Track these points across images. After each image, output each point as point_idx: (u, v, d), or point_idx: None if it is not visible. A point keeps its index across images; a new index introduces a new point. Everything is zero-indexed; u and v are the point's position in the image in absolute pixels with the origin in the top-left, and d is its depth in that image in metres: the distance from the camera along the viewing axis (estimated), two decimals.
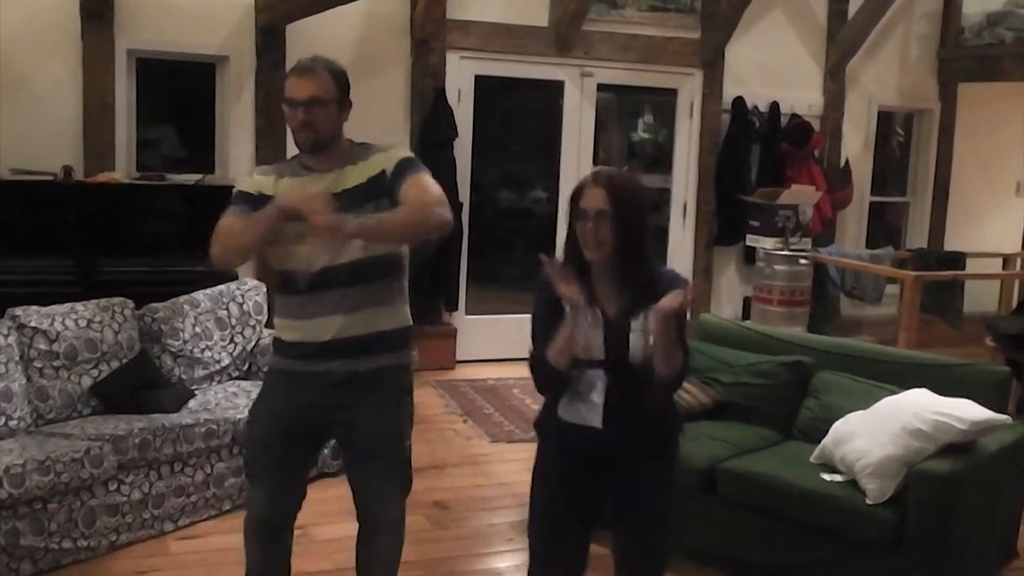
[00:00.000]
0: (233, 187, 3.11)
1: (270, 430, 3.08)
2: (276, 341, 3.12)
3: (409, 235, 2.96)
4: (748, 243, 7.89)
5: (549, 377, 2.72)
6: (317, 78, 2.90)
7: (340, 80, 2.95)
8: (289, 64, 6.34)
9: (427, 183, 2.92)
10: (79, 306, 4.47)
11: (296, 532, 3.28)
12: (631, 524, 2.78)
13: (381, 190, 2.91)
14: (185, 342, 4.75)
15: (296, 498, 3.20)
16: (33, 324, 4.27)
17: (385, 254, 2.97)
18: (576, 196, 2.67)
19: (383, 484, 3.12)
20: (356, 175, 2.94)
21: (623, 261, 2.64)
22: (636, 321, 2.64)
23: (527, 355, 2.77)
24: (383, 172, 2.93)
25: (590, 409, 2.70)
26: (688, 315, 2.69)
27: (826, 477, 3.81)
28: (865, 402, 3.97)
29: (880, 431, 3.70)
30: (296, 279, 2.97)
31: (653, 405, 2.71)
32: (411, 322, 3.13)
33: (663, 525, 2.81)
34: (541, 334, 2.71)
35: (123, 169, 6.37)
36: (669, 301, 2.50)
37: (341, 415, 3.03)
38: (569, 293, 2.59)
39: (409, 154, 3.01)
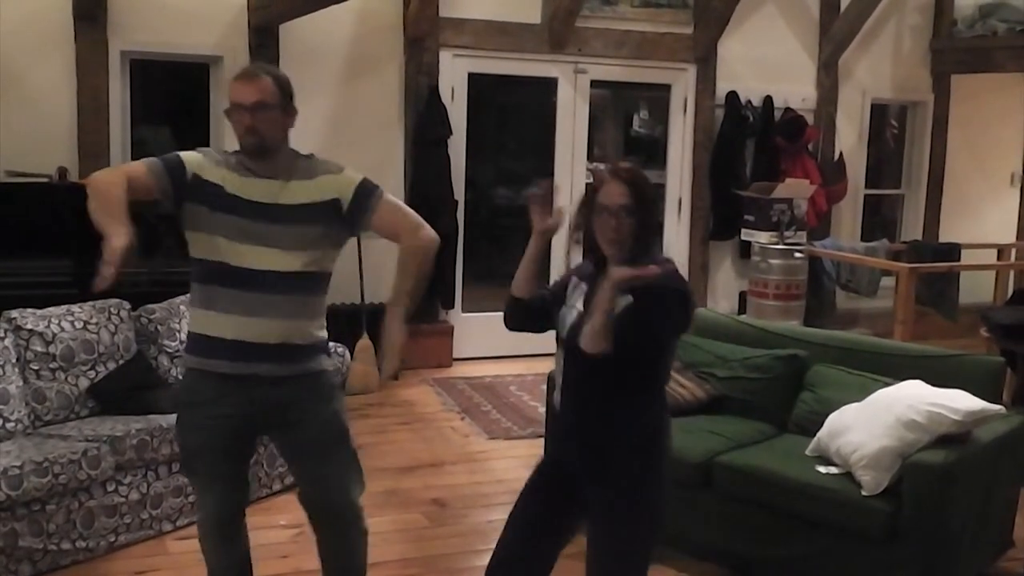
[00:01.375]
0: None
1: (208, 436, 3.02)
2: (197, 338, 3.03)
3: (427, 271, 3.06)
4: (743, 238, 7.89)
5: (507, 304, 2.80)
6: (261, 83, 2.91)
7: (283, 86, 2.96)
8: (283, 64, 6.41)
9: (403, 209, 3.06)
10: (75, 308, 4.48)
11: (294, 532, 3.30)
12: (591, 518, 2.72)
13: (331, 217, 2.95)
14: (181, 343, 4.74)
15: (244, 491, 3.21)
16: (29, 326, 4.27)
17: (323, 271, 3.02)
18: (594, 192, 2.66)
19: (342, 475, 3.11)
20: (303, 192, 2.95)
21: (637, 254, 2.60)
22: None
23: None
24: (336, 200, 2.95)
25: (558, 390, 2.76)
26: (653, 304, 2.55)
27: (821, 470, 3.82)
28: (860, 394, 3.98)
29: (875, 423, 3.71)
30: (239, 275, 2.92)
31: (609, 390, 2.64)
32: (327, 336, 3.15)
33: (620, 525, 2.69)
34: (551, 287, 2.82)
35: None
36: (621, 271, 2.47)
37: (281, 413, 3.02)
38: (543, 223, 2.68)
39: (361, 178, 3.02)
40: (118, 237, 2.60)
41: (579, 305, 2.69)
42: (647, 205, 2.64)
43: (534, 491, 2.84)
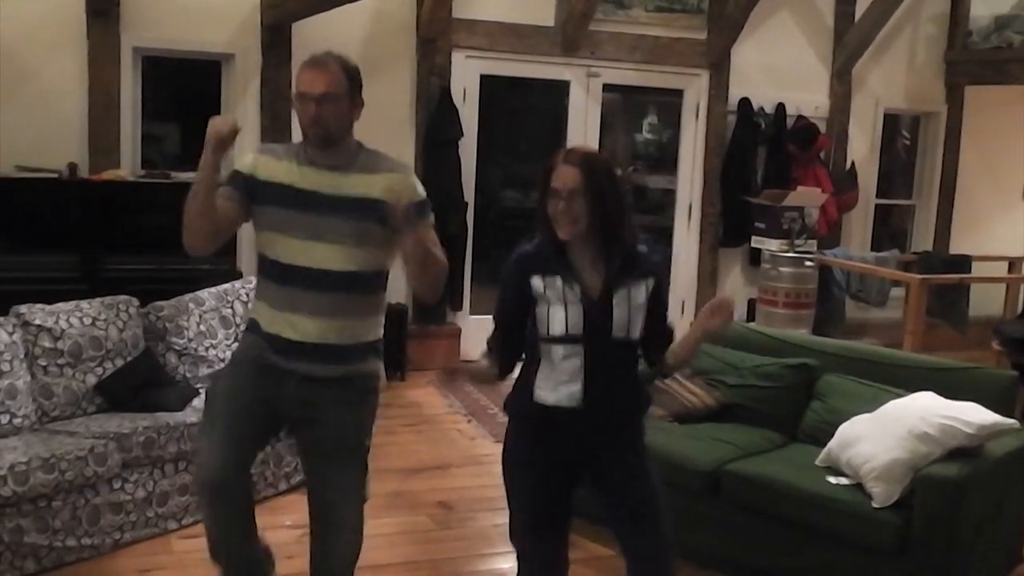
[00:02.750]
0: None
1: (235, 386, 3.04)
2: (253, 323, 3.09)
3: (431, 280, 2.94)
4: (753, 245, 7.87)
5: (496, 340, 2.83)
6: (330, 73, 2.88)
7: (353, 76, 2.93)
8: (295, 62, 6.40)
9: (432, 237, 2.96)
10: (84, 304, 4.47)
11: (300, 532, 3.28)
12: (620, 476, 2.81)
13: (382, 216, 2.86)
14: (190, 340, 4.74)
15: (245, 462, 3.08)
16: (38, 322, 4.26)
17: (371, 270, 2.98)
18: (547, 175, 2.68)
19: (348, 481, 3.08)
20: (363, 185, 2.92)
21: (601, 237, 2.67)
22: (618, 296, 2.68)
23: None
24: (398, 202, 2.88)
25: (569, 387, 2.72)
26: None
27: (832, 480, 3.80)
28: (871, 405, 3.96)
29: (886, 434, 3.69)
30: (284, 270, 2.94)
31: (625, 376, 2.79)
32: (382, 335, 3.12)
33: (655, 486, 2.82)
34: (501, 312, 2.81)
35: (128, 167, 6.37)
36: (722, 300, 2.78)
37: (308, 408, 3.01)
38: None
39: (423, 193, 2.98)
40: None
41: (575, 299, 2.68)
42: (600, 187, 2.64)
43: (540, 500, 2.85)
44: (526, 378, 2.81)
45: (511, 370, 2.86)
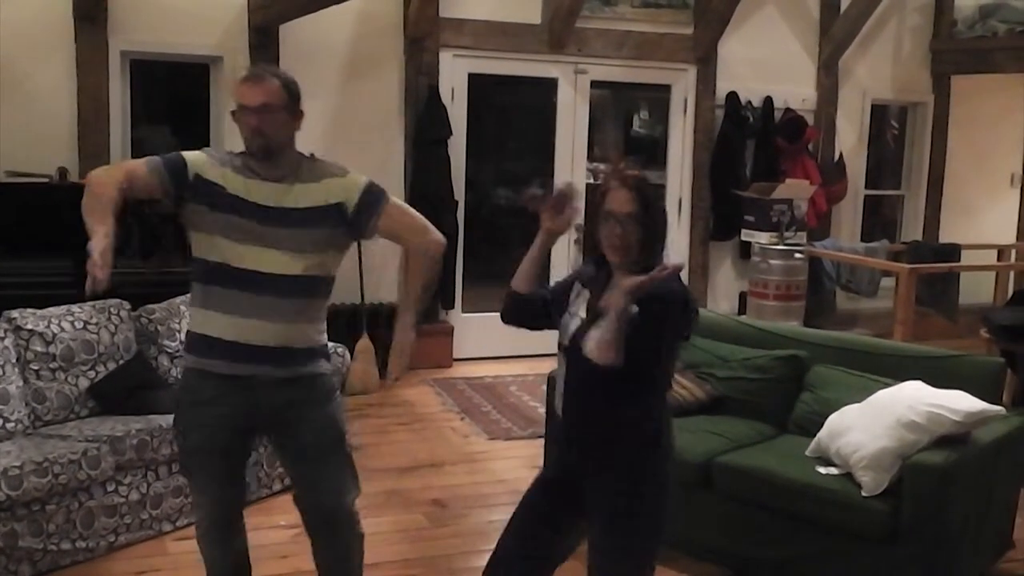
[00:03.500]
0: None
1: (206, 435, 3.03)
2: (198, 338, 3.02)
3: (436, 274, 3.14)
4: (743, 238, 7.89)
5: (505, 298, 2.81)
6: (268, 84, 2.90)
7: (291, 88, 2.95)
8: (283, 64, 6.41)
9: (410, 212, 3.08)
10: (75, 308, 4.48)
11: (294, 532, 3.30)
12: (591, 519, 2.70)
13: (337, 221, 2.95)
14: (181, 343, 4.73)
15: (241, 495, 3.24)
16: (30, 326, 4.27)
17: (325, 274, 3.02)
18: (601, 197, 2.63)
19: (337, 479, 3.09)
20: (309, 196, 2.94)
21: (643, 261, 2.57)
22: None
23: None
24: (341, 204, 2.95)
25: (560, 395, 2.73)
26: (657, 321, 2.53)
27: (822, 470, 3.82)
28: (860, 395, 3.98)
29: (875, 424, 3.72)
30: (241, 276, 2.92)
31: (610, 395, 2.61)
32: (326, 340, 3.16)
33: (620, 528, 2.66)
34: (551, 288, 2.81)
35: None
36: (631, 281, 2.42)
37: (279, 414, 3.02)
38: (552, 222, 2.69)
39: (367, 181, 3.02)
40: (96, 237, 2.65)
41: (582, 312, 2.67)
42: (653, 213, 2.62)
43: (532, 507, 2.83)
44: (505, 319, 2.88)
45: (511, 311, 2.86)
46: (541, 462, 4.63)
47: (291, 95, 2.95)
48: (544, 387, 4.62)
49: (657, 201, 2.68)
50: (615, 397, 2.61)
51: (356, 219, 2.97)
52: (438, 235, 3.07)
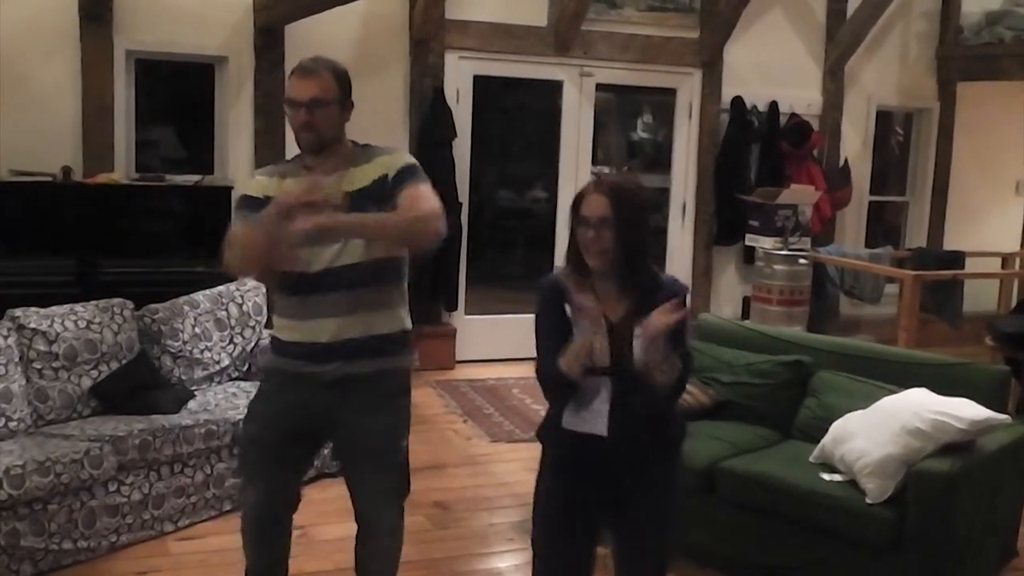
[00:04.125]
0: (231, 188, 3.11)
1: (266, 428, 3.08)
2: (274, 340, 3.13)
3: (401, 239, 2.95)
4: (747, 243, 7.89)
5: (560, 387, 2.67)
6: (319, 78, 2.89)
7: (342, 80, 2.94)
8: (288, 64, 6.41)
9: (425, 192, 2.93)
10: (79, 307, 4.48)
11: (296, 532, 3.29)
12: (632, 524, 2.76)
13: (382, 194, 2.91)
14: (184, 343, 4.74)
15: (291, 497, 3.20)
16: (33, 325, 4.27)
17: (386, 258, 2.97)
18: (577, 203, 2.64)
19: (379, 486, 3.11)
20: (360, 177, 2.94)
21: (625, 267, 2.63)
22: (639, 327, 2.60)
23: (532, 362, 2.74)
24: (385, 176, 2.93)
25: (595, 417, 2.67)
26: (687, 321, 2.68)
27: (825, 477, 3.81)
28: (864, 401, 3.97)
29: (879, 430, 3.70)
30: (295, 280, 2.97)
31: (655, 409, 2.69)
32: (410, 325, 3.11)
33: (666, 524, 2.80)
34: (546, 341, 2.67)
35: (122, 170, 6.37)
36: (658, 319, 2.49)
37: (336, 416, 3.02)
38: (590, 306, 2.59)
39: (412, 160, 3.01)
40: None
41: (600, 333, 2.62)
42: (630, 218, 2.60)
43: (566, 541, 2.81)
44: (557, 406, 2.77)
45: (571, 396, 2.73)
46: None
47: (342, 87, 2.94)
48: None
49: (636, 205, 2.64)
50: (658, 403, 2.70)
51: (392, 190, 2.90)
52: (436, 225, 2.87)
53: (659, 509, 2.77)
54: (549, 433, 2.80)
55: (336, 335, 2.94)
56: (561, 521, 2.80)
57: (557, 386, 2.68)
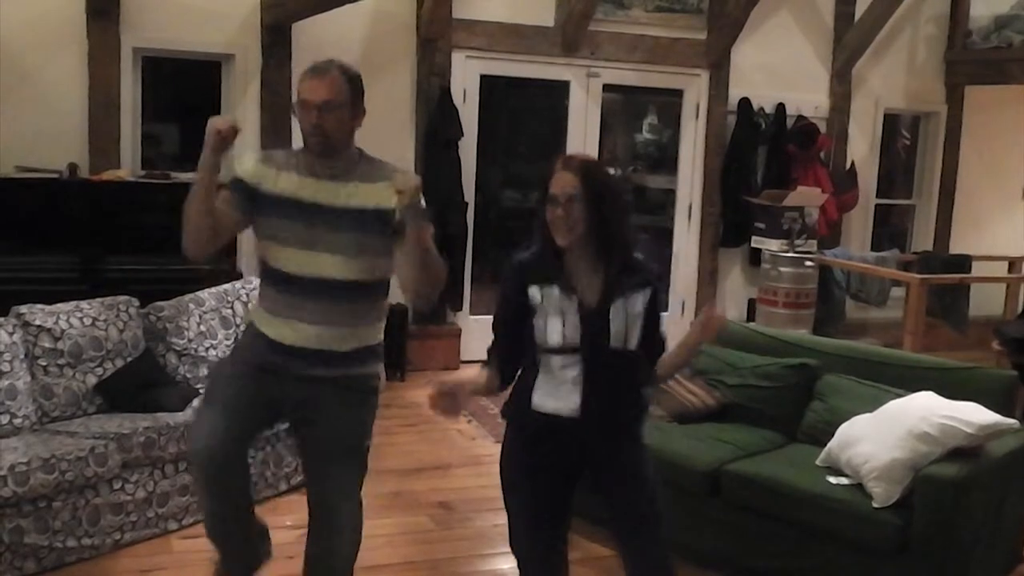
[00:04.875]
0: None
1: (239, 372, 3.04)
2: (251, 327, 3.09)
3: (431, 282, 2.95)
4: (753, 245, 7.87)
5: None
6: (332, 80, 2.87)
7: (355, 84, 2.92)
8: (295, 63, 6.42)
9: (430, 248, 2.93)
10: (84, 304, 4.47)
11: (300, 532, 3.27)
12: (616, 477, 2.81)
13: (386, 225, 2.89)
14: (190, 341, 4.74)
15: (243, 438, 3.04)
16: (38, 322, 4.26)
17: (374, 278, 2.98)
18: (546, 181, 2.68)
19: (346, 481, 3.08)
20: (365, 196, 2.91)
21: (598, 246, 2.66)
22: (615, 306, 2.67)
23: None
24: (392, 210, 2.86)
25: (568, 396, 2.72)
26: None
27: (832, 480, 3.80)
28: (871, 405, 3.96)
29: (886, 434, 3.69)
30: (284, 279, 2.95)
31: (628, 387, 2.80)
32: (382, 338, 3.13)
33: (646, 475, 2.83)
34: (503, 321, 2.80)
35: (128, 167, 6.37)
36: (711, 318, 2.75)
37: (307, 406, 3.01)
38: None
39: (422, 198, 2.92)
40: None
41: (571, 309, 2.68)
42: (600, 194, 2.64)
43: (535, 503, 2.85)
44: (524, 384, 2.80)
45: (512, 379, 2.84)
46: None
47: (355, 91, 2.92)
48: None
49: (606, 182, 2.71)
50: (634, 376, 2.79)
51: (401, 224, 2.87)
52: (441, 265, 2.96)
53: (638, 465, 2.83)
54: (516, 412, 2.84)
55: (317, 343, 2.94)
56: (533, 506, 2.85)
57: (495, 348, 2.85)
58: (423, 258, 2.86)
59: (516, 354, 2.80)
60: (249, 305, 5.00)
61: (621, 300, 2.69)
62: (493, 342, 2.84)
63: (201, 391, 4.61)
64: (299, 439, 3.21)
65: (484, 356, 7.79)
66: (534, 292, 2.70)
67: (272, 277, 2.98)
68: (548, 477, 2.82)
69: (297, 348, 2.94)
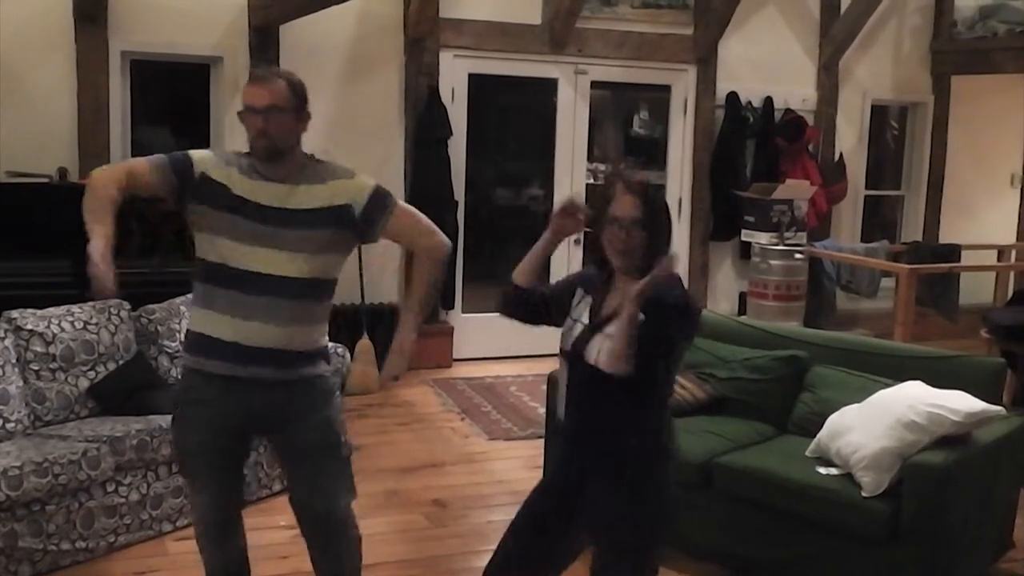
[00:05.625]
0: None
1: (204, 435, 3.03)
2: (197, 336, 3.01)
3: (441, 277, 3.13)
4: (743, 238, 7.89)
5: (505, 290, 2.83)
6: (275, 86, 2.90)
7: (297, 90, 2.95)
8: (283, 64, 6.42)
9: (418, 217, 3.08)
10: (75, 308, 4.48)
11: (294, 532, 3.29)
12: (589, 530, 2.73)
13: (343, 222, 2.93)
14: (182, 343, 4.72)
15: (240, 493, 3.22)
16: (30, 326, 4.27)
17: (327, 277, 3.01)
18: (604, 202, 2.64)
19: (331, 483, 3.08)
20: (314, 197, 2.93)
21: (647, 267, 2.55)
22: (613, 325, 2.57)
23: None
24: (348, 206, 2.93)
25: (562, 400, 2.74)
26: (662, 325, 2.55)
27: (822, 471, 3.82)
28: (860, 395, 3.98)
29: (875, 424, 3.71)
30: (235, 276, 2.91)
31: (617, 407, 2.63)
32: (327, 342, 3.16)
33: (615, 545, 2.68)
34: (553, 285, 2.83)
35: None
36: (638, 287, 2.45)
37: (276, 416, 3.01)
38: (563, 226, 2.71)
39: (375, 184, 3.01)
40: (95, 239, 2.69)
41: (584, 318, 2.68)
42: (658, 218, 2.63)
43: (531, 511, 2.82)
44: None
45: (512, 306, 2.84)
46: (541, 462, 4.64)
47: (298, 97, 2.94)
48: (544, 387, 4.63)
49: (662, 206, 2.68)
50: (619, 403, 2.61)
51: (364, 222, 2.96)
52: (443, 238, 3.08)
53: (618, 515, 2.65)
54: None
55: (271, 342, 2.92)
56: (537, 494, 2.84)
57: (504, 294, 2.85)
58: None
59: (529, 300, 2.81)
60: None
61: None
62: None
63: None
64: (277, 450, 3.24)
65: (476, 354, 7.83)
66: (579, 293, 2.75)
67: (219, 273, 2.93)
68: (551, 490, 2.80)
69: (245, 347, 2.92)
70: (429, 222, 3.08)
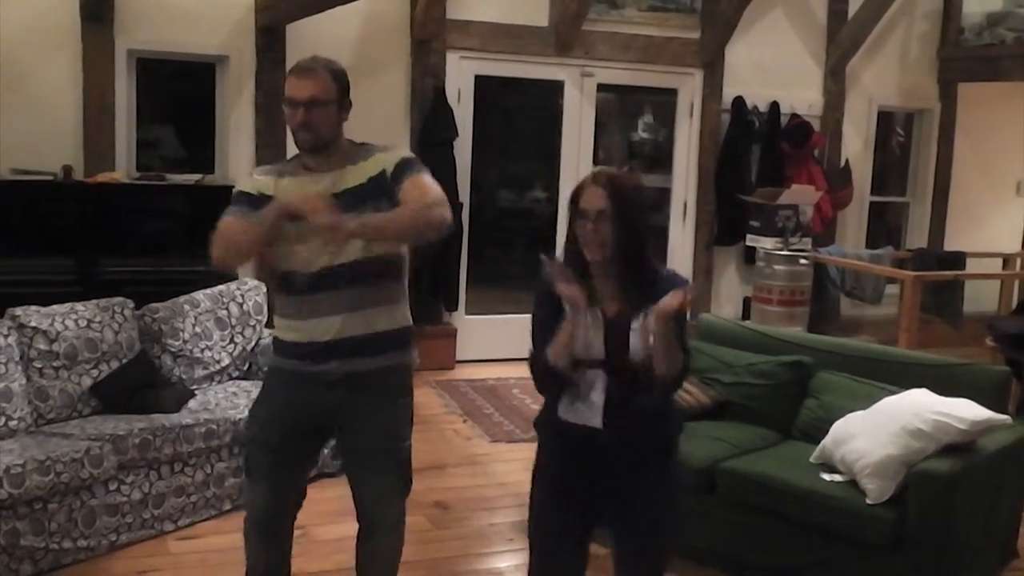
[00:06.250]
0: (233, 187, 3.11)
1: (270, 429, 3.08)
2: (276, 341, 3.13)
3: (408, 235, 2.96)
4: (748, 243, 7.88)
5: (549, 377, 2.69)
6: (317, 78, 2.89)
7: (340, 80, 2.94)
8: (289, 64, 6.37)
9: (427, 183, 2.93)
10: (79, 306, 4.47)
11: (296, 532, 3.29)
12: (630, 524, 2.76)
13: (380, 191, 2.91)
14: (185, 342, 4.74)
15: (295, 497, 3.21)
16: (33, 324, 4.27)
17: (385, 254, 2.97)
18: (576, 196, 2.65)
19: (381, 484, 3.12)
20: (356, 175, 2.94)
21: (624, 261, 2.62)
22: (636, 321, 2.62)
23: (527, 355, 2.76)
24: (383, 172, 2.93)
25: (590, 409, 2.68)
26: (688, 315, 2.68)
27: (826, 477, 3.81)
28: (865, 402, 3.97)
29: (880, 431, 3.70)
30: (296, 279, 2.97)
31: (653, 405, 2.68)
32: (411, 322, 3.13)
33: (664, 526, 2.78)
34: (540, 333, 2.70)
35: (123, 169, 6.37)
36: (668, 301, 2.49)
37: (339, 414, 3.03)
38: (570, 292, 2.58)
39: (409, 154, 3.02)
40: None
41: (596, 322, 2.63)
42: (629, 211, 2.60)
43: (559, 533, 2.81)
44: (550, 397, 2.78)
45: (562, 388, 2.74)
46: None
47: (340, 87, 2.94)
48: None
49: (635, 198, 2.65)
50: (659, 401, 2.70)
51: (391, 186, 2.91)
52: (444, 213, 2.87)
53: (657, 510, 2.75)
54: (546, 424, 2.80)
55: (338, 333, 2.94)
56: (556, 516, 2.81)
57: (546, 376, 2.69)
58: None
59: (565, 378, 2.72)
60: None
61: (643, 314, 2.62)
62: (533, 355, 2.73)
63: (196, 392, 4.63)
64: (337, 445, 3.29)
65: (479, 356, 7.83)
66: (566, 308, 2.65)
67: (288, 281, 2.98)
68: (571, 500, 2.78)
69: (322, 344, 2.94)
70: (438, 195, 2.91)
